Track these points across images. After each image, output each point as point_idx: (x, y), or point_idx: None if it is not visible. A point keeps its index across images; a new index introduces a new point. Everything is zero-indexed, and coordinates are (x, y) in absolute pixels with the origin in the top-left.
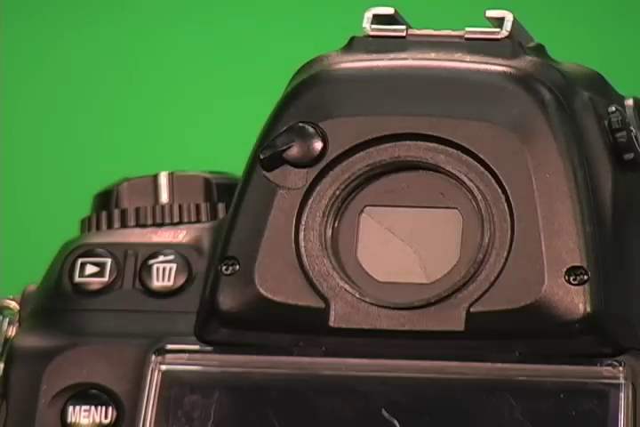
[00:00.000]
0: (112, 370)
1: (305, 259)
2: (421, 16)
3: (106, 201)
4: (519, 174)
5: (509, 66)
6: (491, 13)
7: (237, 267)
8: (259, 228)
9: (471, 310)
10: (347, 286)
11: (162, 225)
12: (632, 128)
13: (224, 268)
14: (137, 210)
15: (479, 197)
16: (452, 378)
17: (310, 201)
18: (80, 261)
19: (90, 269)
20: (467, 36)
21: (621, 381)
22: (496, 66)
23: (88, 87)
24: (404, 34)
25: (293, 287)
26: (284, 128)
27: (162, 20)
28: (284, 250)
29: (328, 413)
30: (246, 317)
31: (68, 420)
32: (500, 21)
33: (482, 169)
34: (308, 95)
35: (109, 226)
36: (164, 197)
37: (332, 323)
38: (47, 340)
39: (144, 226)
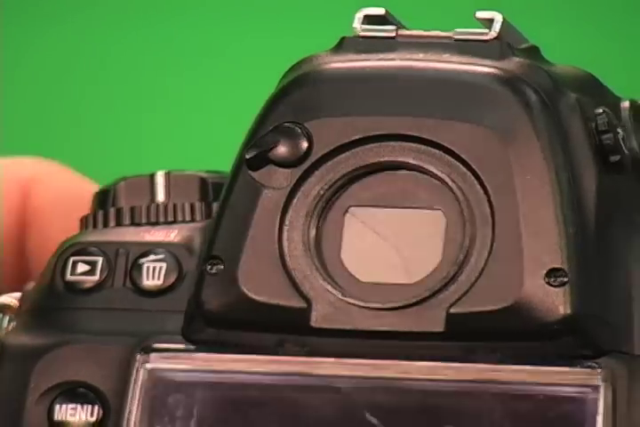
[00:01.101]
0: (99, 369)
1: (288, 259)
2: (419, 17)
3: (103, 200)
4: (501, 175)
5: (496, 67)
6: (480, 15)
7: (222, 266)
8: (243, 227)
9: (451, 311)
10: (329, 287)
11: (156, 224)
12: (619, 130)
13: (208, 267)
14: (132, 209)
15: (462, 199)
16: (431, 379)
17: (294, 201)
18: (72, 259)
19: (81, 267)
20: (456, 36)
21: (600, 383)
22: (482, 67)
23: (85, 87)
24: (393, 34)
25: (276, 287)
26: (270, 128)
27: (159, 19)
28: (267, 250)
29: (309, 412)
30: (230, 316)
31: (55, 418)
32: (489, 22)
33: (464, 170)
34: (295, 95)
35: (105, 224)
36: (161, 196)
37: (313, 323)
38: (37, 338)
39: (139, 225)
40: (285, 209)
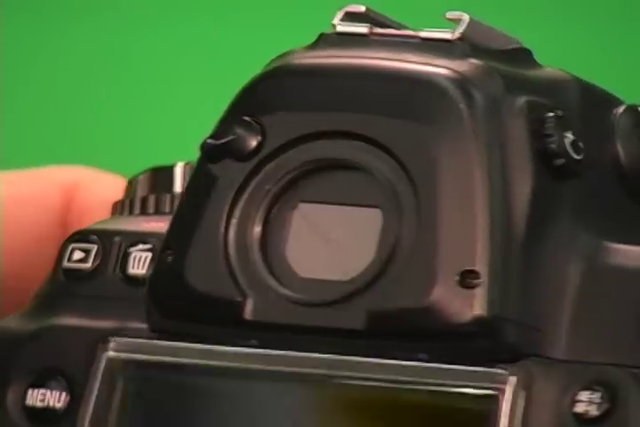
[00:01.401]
0: (75, 356)
1: (232, 252)
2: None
3: (128, 189)
4: (430, 175)
5: (446, 67)
6: (449, 15)
7: (172, 257)
8: (195, 219)
9: (371, 308)
10: (267, 281)
11: (164, 214)
12: (569, 134)
13: (162, 257)
14: (143, 199)
15: (396, 196)
16: (342, 375)
17: (245, 195)
18: (71, 246)
19: (77, 254)
20: (422, 36)
21: (510, 387)
22: (432, 67)
23: (87, 86)
24: (366, 32)
25: (217, 280)
26: (230, 120)
27: (156, 16)
28: (213, 242)
29: (227, 403)
30: (176, 307)
31: (27, 402)
32: (457, 23)
33: (399, 167)
34: (258, 89)
35: (121, 213)
36: (177, 186)
37: (246, 316)
38: (26, 323)
39: (148, 215)
40: (235, 202)
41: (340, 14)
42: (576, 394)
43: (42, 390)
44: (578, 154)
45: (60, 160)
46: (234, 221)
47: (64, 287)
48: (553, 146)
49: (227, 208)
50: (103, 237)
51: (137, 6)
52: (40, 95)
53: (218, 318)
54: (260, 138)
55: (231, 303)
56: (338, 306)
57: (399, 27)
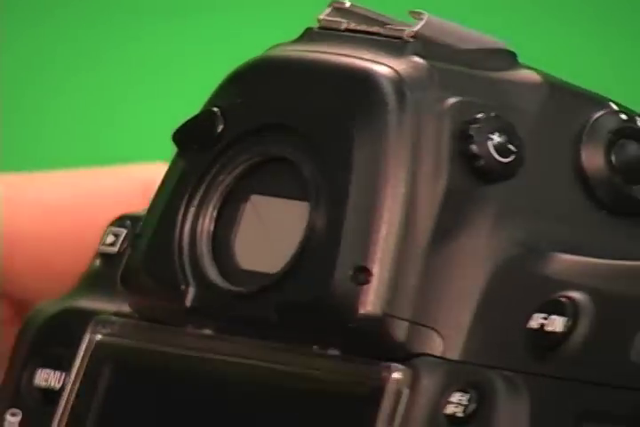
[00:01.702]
0: (79, 338)
1: (184, 241)
2: None
3: None
4: (344, 171)
5: (385, 64)
6: (412, 14)
7: (139, 243)
8: (161, 207)
9: (279, 301)
10: (208, 271)
11: None
12: (495, 136)
13: (134, 243)
14: None
15: (317, 190)
16: (246, 364)
17: (203, 185)
18: (108, 230)
19: (109, 238)
20: (383, 32)
21: (393, 385)
22: (373, 63)
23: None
24: (342, 28)
25: (169, 268)
26: (201, 110)
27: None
28: (171, 231)
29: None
30: (136, 291)
31: (34, 382)
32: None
33: (322, 162)
34: (228, 80)
35: None
36: None
37: (187, 303)
38: (53, 305)
39: None
40: (194, 192)
41: (327, 9)
42: (450, 395)
43: (47, 371)
44: (505, 156)
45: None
46: (191, 209)
47: (94, 270)
48: (473, 147)
49: (186, 197)
50: (134, 221)
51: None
52: (39, 95)
53: (167, 305)
54: (221, 127)
55: (176, 291)
56: (256, 298)
57: (381, 21)
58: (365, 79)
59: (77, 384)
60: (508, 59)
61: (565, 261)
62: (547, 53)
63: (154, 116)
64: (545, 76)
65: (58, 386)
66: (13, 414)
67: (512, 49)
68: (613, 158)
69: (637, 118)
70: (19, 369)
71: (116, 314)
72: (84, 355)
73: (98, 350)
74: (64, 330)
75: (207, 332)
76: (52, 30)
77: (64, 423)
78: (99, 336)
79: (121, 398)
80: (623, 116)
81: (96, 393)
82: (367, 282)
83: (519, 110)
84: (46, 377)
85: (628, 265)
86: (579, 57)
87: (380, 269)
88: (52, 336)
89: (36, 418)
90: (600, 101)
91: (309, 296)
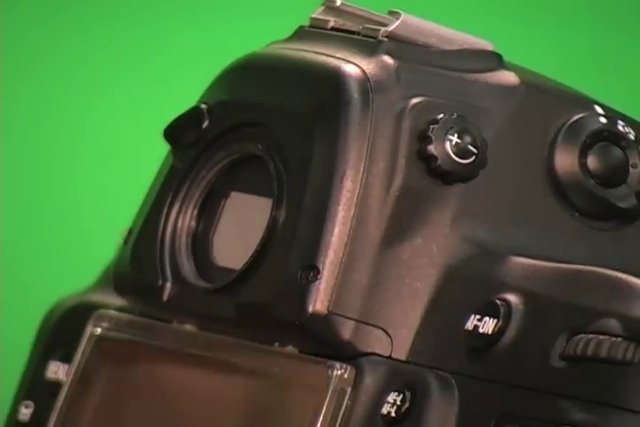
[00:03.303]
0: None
1: (166, 237)
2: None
3: None
4: (302, 170)
5: (355, 64)
6: (390, 14)
7: (128, 238)
8: (149, 202)
9: (238, 299)
10: (184, 267)
11: None
12: (452, 137)
13: (125, 238)
14: None
15: (280, 187)
16: (212, 359)
17: (187, 181)
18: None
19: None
20: (362, 32)
21: (335, 383)
22: (343, 62)
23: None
24: (329, 26)
25: (148, 263)
26: (190, 107)
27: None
28: (154, 227)
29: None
30: (120, 286)
31: (45, 375)
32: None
33: (285, 160)
34: (218, 77)
35: None
36: None
37: (163, 298)
38: (73, 299)
39: None
40: (179, 188)
41: (321, 7)
42: (388, 395)
43: (57, 364)
44: (464, 157)
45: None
46: (175, 205)
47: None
48: (430, 148)
49: (171, 193)
50: None
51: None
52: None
53: (147, 300)
54: (206, 124)
55: (154, 286)
56: (220, 295)
57: (368, 20)
58: (332, 78)
59: (77, 377)
60: (490, 60)
61: (516, 263)
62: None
63: (152, 113)
64: (527, 77)
65: (65, 379)
66: (27, 406)
67: (498, 51)
68: (589, 161)
69: (619, 121)
70: (34, 362)
71: (119, 309)
72: (84, 348)
73: (97, 344)
74: (76, 324)
75: (188, 327)
76: (51, 30)
77: (63, 415)
78: (98, 330)
79: (116, 391)
80: (603, 119)
81: (93, 386)
82: (315, 280)
83: (488, 112)
84: (56, 370)
85: (570, 269)
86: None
87: (328, 267)
88: (64, 330)
89: (45, 411)
90: (583, 103)
91: (264, 294)
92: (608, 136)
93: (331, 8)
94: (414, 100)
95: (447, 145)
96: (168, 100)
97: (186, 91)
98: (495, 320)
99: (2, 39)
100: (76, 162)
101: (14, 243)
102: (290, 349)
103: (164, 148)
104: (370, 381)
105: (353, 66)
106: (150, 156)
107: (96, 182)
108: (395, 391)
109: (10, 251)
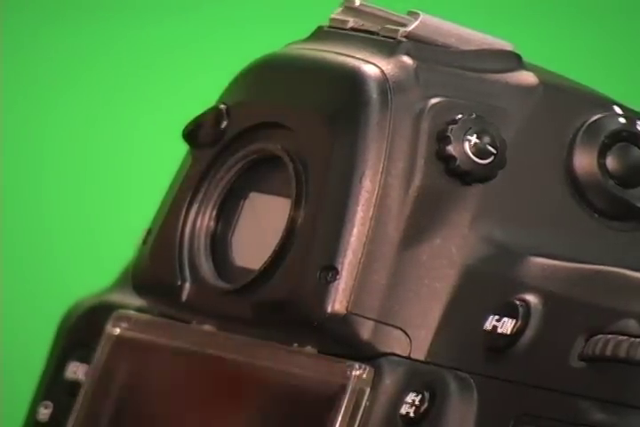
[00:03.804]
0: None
1: (185, 238)
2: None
3: None
4: (322, 171)
5: (374, 64)
6: (409, 14)
7: (147, 239)
8: (167, 203)
9: (257, 299)
10: (203, 268)
11: None
12: (472, 137)
13: (144, 239)
14: None
15: (299, 188)
16: (231, 360)
17: (205, 182)
18: None
19: None
20: (381, 32)
21: (355, 384)
22: (363, 62)
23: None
24: (348, 27)
25: (167, 263)
26: (209, 107)
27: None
28: (173, 228)
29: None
30: (139, 287)
31: (65, 375)
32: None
33: (305, 160)
34: (237, 77)
35: None
36: None
37: (182, 299)
38: (92, 299)
39: None
40: (197, 189)
41: (339, 8)
42: (406, 395)
43: (76, 364)
44: (483, 158)
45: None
46: (194, 206)
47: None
48: (449, 148)
49: (190, 193)
50: None
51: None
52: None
53: (166, 300)
54: (225, 124)
55: (173, 286)
56: (239, 295)
57: (387, 20)
58: (350, 78)
59: (96, 377)
60: (510, 60)
61: (535, 264)
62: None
63: (171, 113)
64: (547, 77)
65: (84, 379)
66: (46, 407)
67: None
68: (608, 161)
69: (638, 122)
70: (53, 362)
71: (138, 309)
72: (102, 349)
73: (116, 344)
74: (95, 324)
75: (207, 327)
76: (54, 30)
77: (82, 415)
78: (117, 330)
79: (135, 391)
80: (622, 120)
81: (113, 386)
82: (334, 281)
83: (507, 112)
84: (75, 370)
85: (589, 269)
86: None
87: (347, 268)
88: (83, 330)
89: (64, 411)
90: (602, 104)
91: (282, 295)
92: (627, 136)
93: (350, 8)
94: (433, 101)
95: (466, 145)
96: (187, 101)
97: (205, 91)
98: (514, 321)
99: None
100: (93, 162)
101: (15, 244)
102: (309, 349)
103: (182, 148)
104: (389, 381)
105: (372, 66)
106: (169, 156)
107: (111, 184)
108: (413, 392)
109: (10, 252)
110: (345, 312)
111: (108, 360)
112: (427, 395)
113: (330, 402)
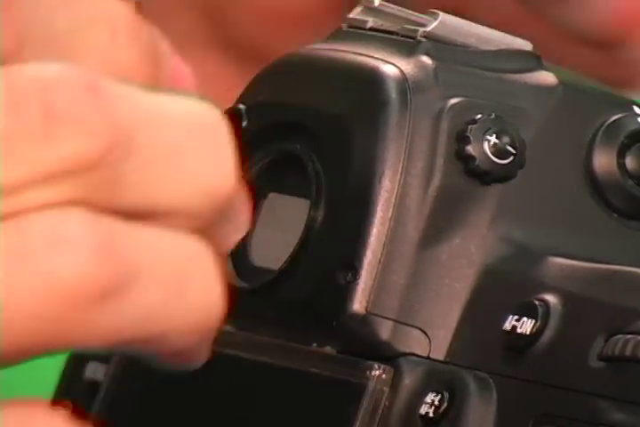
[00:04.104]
0: None
1: None
2: None
3: None
4: (341, 171)
5: (393, 64)
6: (428, 13)
7: None
8: None
9: (276, 299)
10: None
11: None
12: (491, 137)
13: None
14: None
15: (319, 190)
16: (250, 360)
17: None
18: None
19: None
20: (401, 32)
21: (374, 384)
22: (382, 62)
23: None
24: (367, 27)
25: None
26: (229, 107)
27: None
28: None
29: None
30: None
31: (84, 375)
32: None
33: (324, 160)
34: (257, 77)
35: None
36: None
37: None
38: None
39: None
40: None
41: (357, 8)
42: (426, 395)
43: (96, 363)
44: (502, 158)
45: None
46: None
47: None
48: (469, 148)
49: None
50: None
51: None
52: None
53: None
54: (245, 124)
55: None
56: (258, 295)
57: (406, 20)
58: (370, 78)
59: (116, 377)
60: (529, 60)
61: (554, 264)
62: None
63: None
64: (566, 78)
65: (103, 378)
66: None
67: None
68: (627, 161)
69: None
70: (73, 362)
71: None
72: None
73: None
74: None
75: (227, 327)
76: None
77: (101, 415)
78: None
79: (154, 391)
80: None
81: (132, 386)
82: (354, 281)
83: (526, 112)
84: (94, 370)
85: (608, 269)
86: None
87: (366, 268)
88: None
89: (84, 410)
90: (621, 104)
91: (302, 294)
92: None
93: (369, 8)
94: (452, 101)
95: (485, 145)
96: None
97: None
98: (533, 321)
99: None
100: None
101: None
102: (328, 349)
103: None
104: (408, 381)
105: (391, 66)
106: None
107: None
108: (433, 392)
109: None
110: (364, 312)
111: (127, 360)
112: (446, 395)
113: (349, 402)
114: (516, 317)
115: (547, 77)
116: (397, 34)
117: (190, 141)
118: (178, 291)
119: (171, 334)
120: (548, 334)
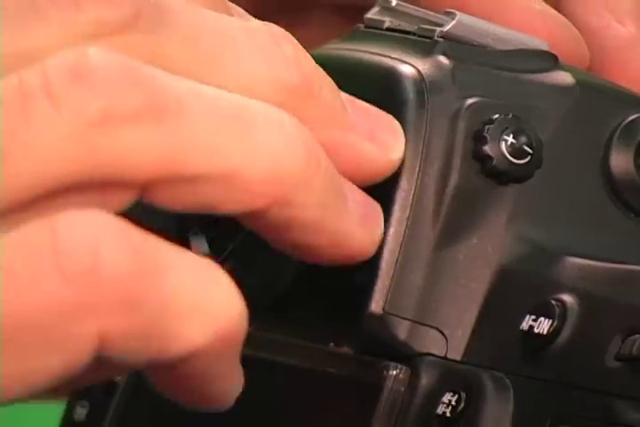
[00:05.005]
0: None
1: None
2: None
3: None
4: None
5: (410, 64)
6: (445, 13)
7: None
8: None
9: (295, 299)
10: None
11: None
12: (508, 137)
13: None
14: None
15: None
16: (267, 359)
17: None
18: None
19: None
20: (418, 32)
21: (391, 384)
22: (396, 62)
23: None
24: (384, 27)
25: None
26: None
27: None
28: None
29: None
30: None
31: None
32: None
33: None
34: None
35: None
36: None
37: None
38: None
39: None
40: None
41: (375, 8)
42: (443, 395)
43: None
44: (519, 158)
45: None
46: None
47: None
48: (486, 148)
49: None
50: None
51: None
52: None
53: None
54: None
55: None
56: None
57: (423, 20)
58: (387, 78)
59: (132, 376)
60: (546, 60)
61: (571, 263)
62: None
63: None
64: (583, 78)
65: (119, 378)
66: (82, 406)
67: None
68: None
69: None
70: None
71: None
72: None
73: None
74: None
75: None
76: None
77: (118, 415)
78: None
79: None
80: None
81: (149, 385)
82: (371, 281)
83: (543, 112)
84: None
85: (625, 269)
86: None
87: (384, 268)
88: None
89: (100, 411)
90: (638, 104)
91: (319, 295)
92: None
93: (386, 8)
94: (469, 101)
95: (502, 145)
96: None
97: None
98: (550, 321)
99: None
100: None
101: None
102: (345, 349)
103: None
104: (425, 381)
105: (408, 66)
106: None
107: None
108: (450, 392)
109: None
110: (381, 312)
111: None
112: (463, 395)
113: (366, 402)
114: (533, 317)
115: (564, 77)
116: (414, 34)
117: None
118: (243, 132)
119: (241, 173)
120: (565, 334)
